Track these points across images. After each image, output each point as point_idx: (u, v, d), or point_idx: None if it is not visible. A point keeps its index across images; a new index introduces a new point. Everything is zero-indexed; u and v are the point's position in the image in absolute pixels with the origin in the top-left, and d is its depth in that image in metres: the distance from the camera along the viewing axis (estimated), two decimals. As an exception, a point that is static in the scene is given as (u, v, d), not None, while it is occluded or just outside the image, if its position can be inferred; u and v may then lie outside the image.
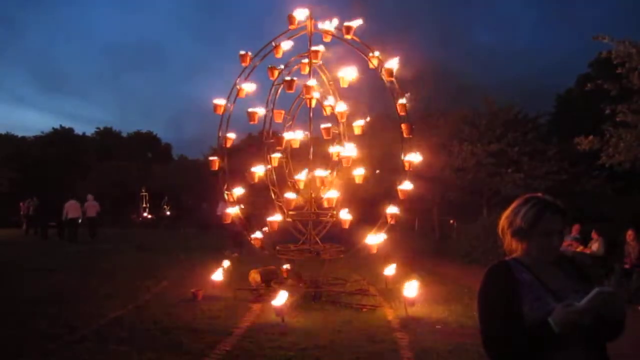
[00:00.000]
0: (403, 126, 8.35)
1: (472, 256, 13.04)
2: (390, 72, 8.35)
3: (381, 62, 8.43)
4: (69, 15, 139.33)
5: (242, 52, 8.75)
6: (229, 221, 8.77)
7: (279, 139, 8.40)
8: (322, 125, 8.83)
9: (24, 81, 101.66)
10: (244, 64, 8.71)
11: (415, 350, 5.36)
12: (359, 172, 8.51)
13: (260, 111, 8.80)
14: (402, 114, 8.46)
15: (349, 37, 8.44)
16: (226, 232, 14.37)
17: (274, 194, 8.93)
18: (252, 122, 8.68)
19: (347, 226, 8.27)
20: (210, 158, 9.07)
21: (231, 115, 8.71)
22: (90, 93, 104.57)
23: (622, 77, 9.97)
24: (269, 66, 8.72)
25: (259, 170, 8.54)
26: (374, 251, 8.20)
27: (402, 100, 8.50)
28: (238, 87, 8.71)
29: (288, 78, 8.33)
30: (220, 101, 8.73)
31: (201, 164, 32.54)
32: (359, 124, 8.79)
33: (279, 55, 8.69)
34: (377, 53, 8.48)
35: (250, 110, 8.63)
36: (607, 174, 15.01)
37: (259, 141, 10.05)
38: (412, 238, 16.82)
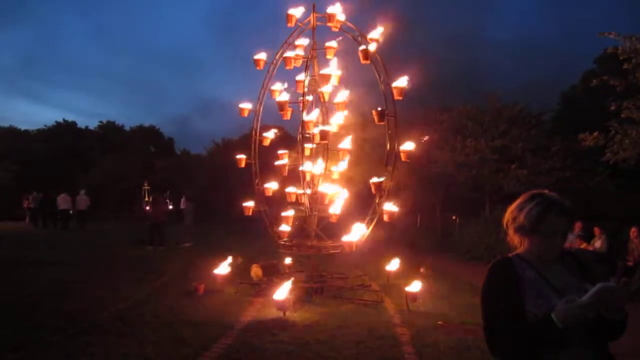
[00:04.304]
0: (374, 112, 7.91)
1: (474, 252, 13.03)
2: (365, 54, 7.96)
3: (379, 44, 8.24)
4: (72, 10, 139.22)
5: (257, 57, 8.84)
6: (249, 214, 8.86)
7: (322, 133, 8.01)
8: (307, 119, 8.57)
9: (26, 74, 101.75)
10: (258, 68, 8.85)
11: (417, 346, 5.35)
12: (337, 169, 8.38)
13: (285, 97, 8.74)
14: (398, 98, 8.05)
15: (331, 24, 8.31)
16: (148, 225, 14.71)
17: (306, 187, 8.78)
18: (282, 112, 8.57)
19: (335, 220, 8.19)
20: (238, 156, 9.11)
21: (260, 116, 9.15)
22: (93, 87, 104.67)
23: (628, 73, 9.89)
24: (284, 56, 8.66)
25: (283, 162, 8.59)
26: (353, 249, 7.91)
27: (401, 83, 8.01)
28: (271, 89, 8.88)
29: (324, 72, 8.20)
30: (246, 105, 9.00)
31: (203, 159, 32.55)
32: (336, 123, 8.64)
33: (302, 55, 8.73)
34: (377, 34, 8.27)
35: (279, 100, 8.57)
36: (611, 171, 14.94)
37: (279, 136, 10.07)
38: (414, 234, 16.79)
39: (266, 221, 9.08)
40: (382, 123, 7.97)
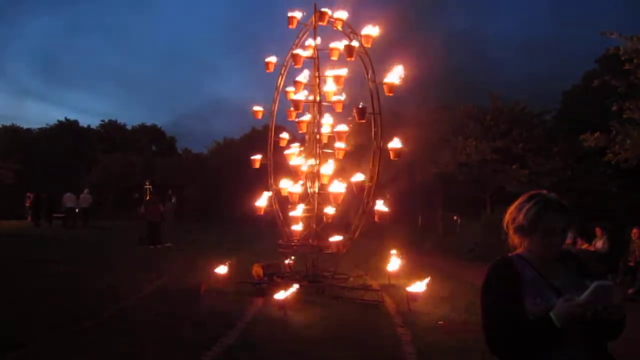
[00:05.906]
0: (355, 110, 7.81)
1: (475, 252, 13.02)
2: (349, 51, 7.81)
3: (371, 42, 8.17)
4: (74, 7, 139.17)
5: (268, 60, 8.89)
6: (262, 213, 8.88)
7: (339, 133, 8.05)
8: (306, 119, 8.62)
9: (29, 73, 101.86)
10: (268, 71, 8.92)
11: (417, 346, 5.34)
12: (325, 171, 8.34)
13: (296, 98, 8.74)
14: (389, 94, 7.92)
15: (322, 23, 8.27)
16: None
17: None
18: (297, 111, 8.58)
19: (330, 220, 8.18)
20: (253, 157, 9.17)
21: (276, 116, 9.33)
22: (95, 85, 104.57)
23: (630, 74, 9.88)
24: (293, 52, 8.66)
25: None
26: (341, 250, 7.89)
27: (391, 78, 7.85)
28: (286, 90, 8.98)
29: (336, 73, 8.22)
30: (259, 107, 9.15)
31: (205, 158, 32.59)
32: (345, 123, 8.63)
33: (311, 54, 8.74)
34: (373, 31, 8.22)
35: (294, 97, 8.57)
36: (612, 171, 14.93)
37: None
38: (416, 234, 16.77)
39: (278, 221, 9.10)
40: (363, 121, 7.85)
